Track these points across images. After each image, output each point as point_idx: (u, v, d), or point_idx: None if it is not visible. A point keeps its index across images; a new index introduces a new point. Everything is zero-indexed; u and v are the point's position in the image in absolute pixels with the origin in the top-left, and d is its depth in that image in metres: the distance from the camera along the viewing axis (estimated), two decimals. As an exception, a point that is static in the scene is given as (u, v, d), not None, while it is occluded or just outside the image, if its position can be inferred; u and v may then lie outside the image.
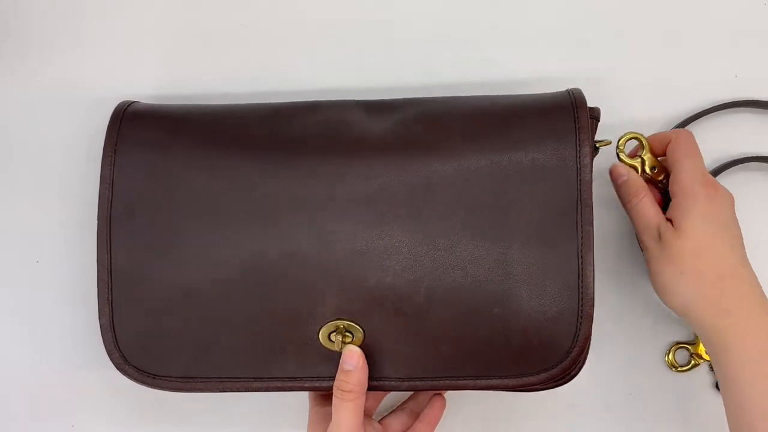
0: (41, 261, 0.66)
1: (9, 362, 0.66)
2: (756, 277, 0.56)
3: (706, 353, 0.60)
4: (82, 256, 0.65)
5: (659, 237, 0.57)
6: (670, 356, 0.64)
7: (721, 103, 0.65)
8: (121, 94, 0.65)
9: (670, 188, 0.58)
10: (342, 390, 0.54)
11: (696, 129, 0.64)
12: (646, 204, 0.58)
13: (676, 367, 0.64)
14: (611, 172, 0.60)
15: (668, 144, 0.59)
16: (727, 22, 0.66)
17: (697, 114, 0.65)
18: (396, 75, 0.66)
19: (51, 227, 0.66)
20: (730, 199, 0.58)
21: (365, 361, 0.55)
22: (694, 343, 0.64)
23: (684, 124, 0.64)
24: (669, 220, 0.57)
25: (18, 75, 0.67)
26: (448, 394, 0.62)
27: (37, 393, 0.66)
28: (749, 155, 0.65)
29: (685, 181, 0.57)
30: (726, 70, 0.66)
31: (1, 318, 0.66)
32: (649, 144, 0.60)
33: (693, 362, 0.64)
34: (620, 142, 0.60)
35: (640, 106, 0.65)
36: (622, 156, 0.60)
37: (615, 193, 0.60)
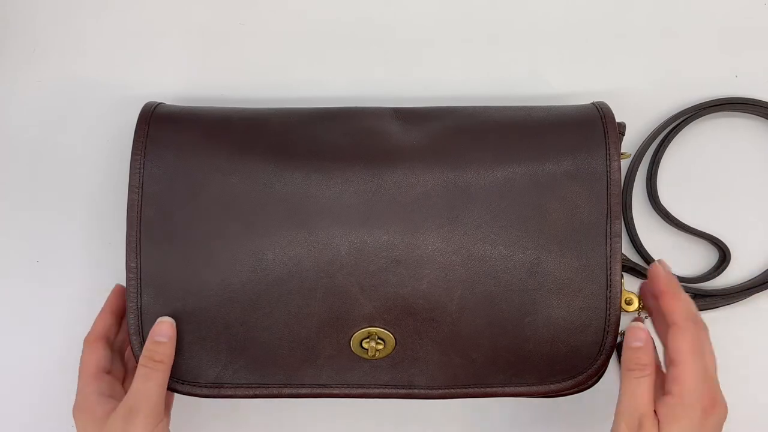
0: (41, 261, 0.65)
1: (9, 362, 0.66)
2: None
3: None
4: (83, 256, 0.64)
5: (638, 428, 0.52)
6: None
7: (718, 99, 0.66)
8: (122, 96, 0.65)
9: (668, 382, 0.52)
10: (153, 360, 0.54)
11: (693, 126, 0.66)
12: (647, 385, 0.53)
13: None
14: (628, 331, 0.55)
15: (670, 324, 0.53)
16: (727, 21, 0.66)
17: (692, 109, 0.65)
18: (399, 83, 0.66)
19: (51, 227, 0.65)
20: (724, 414, 0.53)
21: (175, 333, 0.56)
22: None
23: (678, 117, 0.65)
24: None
25: (19, 75, 0.65)
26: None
27: (36, 393, 0.66)
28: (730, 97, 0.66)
29: (687, 387, 0.51)
30: (726, 70, 0.66)
31: (1, 318, 0.65)
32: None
33: None
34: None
35: (640, 107, 0.66)
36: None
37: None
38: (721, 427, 0.53)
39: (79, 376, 0.56)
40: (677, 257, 0.66)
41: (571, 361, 0.56)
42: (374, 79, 0.66)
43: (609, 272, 0.56)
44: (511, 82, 0.66)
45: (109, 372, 0.57)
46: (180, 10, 0.66)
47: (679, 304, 0.54)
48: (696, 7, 0.66)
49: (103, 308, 0.58)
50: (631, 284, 0.66)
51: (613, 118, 0.58)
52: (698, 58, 0.66)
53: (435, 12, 0.66)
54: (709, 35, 0.66)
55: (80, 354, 0.60)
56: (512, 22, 0.66)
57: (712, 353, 0.54)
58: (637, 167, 0.66)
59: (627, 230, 0.66)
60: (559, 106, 0.60)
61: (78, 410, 0.55)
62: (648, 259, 0.66)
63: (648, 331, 0.54)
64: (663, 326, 0.55)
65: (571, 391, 0.58)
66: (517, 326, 0.56)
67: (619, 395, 0.53)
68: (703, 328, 0.54)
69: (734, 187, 0.66)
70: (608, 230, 0.56)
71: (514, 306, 0.56)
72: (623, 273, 0.64)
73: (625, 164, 0.66)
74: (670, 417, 0.52)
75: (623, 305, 0.62)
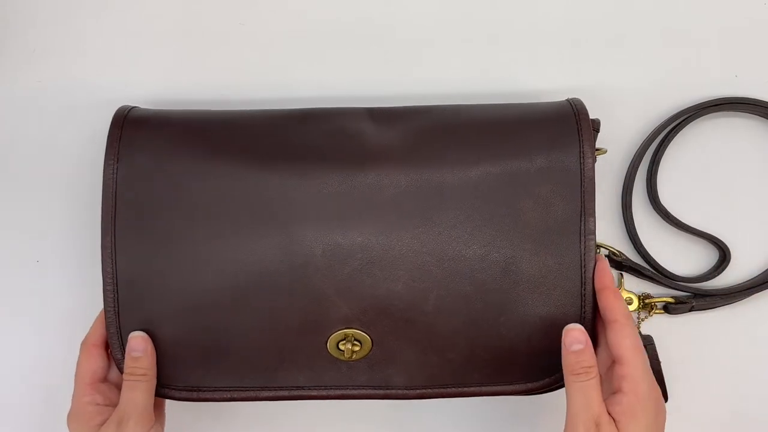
0: (41, 261, 0.65)
1: (9, 362, 0.66)
2: None
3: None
4: (82, 257, 0.64)
5: (595, 429, 0.52)
6: None
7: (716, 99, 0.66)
8: (122, 96, 0.64)
9: (616, 380, 0.53)
10: (135, 374, 0.55)
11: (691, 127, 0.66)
12: (596, 387, 0.53)
13: None
14: (565, 335, 0.55)
15: (610, 321, 0.54)
16: (727, 21, 0.66)
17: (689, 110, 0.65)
18: (399, 83, 0.66)
19: (51, 227, 0.65)
20: (665, 412, 0.54)
21: (152, 346, 0.56)
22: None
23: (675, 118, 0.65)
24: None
25: (19, 75, 0.65)
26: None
27: (36, 393, 0.66)
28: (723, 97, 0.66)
29: (639, 383, 0.52)
30: (726, 70, 0.66)
31: (1, 318, 0.65)
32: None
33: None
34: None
35: (640, 107, 0.66)
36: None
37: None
38: (664, 425, 0.54)
39: (75, 384, 0.56)
40: (677, 257, 0.66)
41: (548, 359, 0.56)
42: (374, 79, 0.66)
43: (583, 270, 0.56)
44: (511, 81, 0.66)
45: (105, 380, 0.57)
46: (180, 10, 0.66)
47: (620, 302, 0.55)
48: (696, 7, 0.66)
49: (101, 313, 0.58)
50: (631, 284, 0.66)
51: (587, 114, 0.58)
52: (698, 58, 0.66)
53: (435, 12, 0.66)
54: (709, 35, 0.66)
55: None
56: (512, 22, 0.66)
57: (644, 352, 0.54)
58: (637, 167, 0.66)
59: (627, 230, 0.66)
60: (533, 103, 0.60)
61: (72, 419, 0.56)
62: (648, 259, 0.66)
63: (586, 332, 0.55)
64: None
65: (549, 388, 0.58)
66: (493, 325, 0.56)
67: (568, 401, 0.53)
68: (632, 324, 0.55)
69: (734, 187, 0.66)
70: (582, 228, 0.56)
71: (490, 305, 0.56)
72: (623, 273, 0.65)
73: (625, 164, 0.66)
74: (629, 415, 0.52)
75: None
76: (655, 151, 0.66)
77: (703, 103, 0.65)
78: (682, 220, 0.66)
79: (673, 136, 0.65)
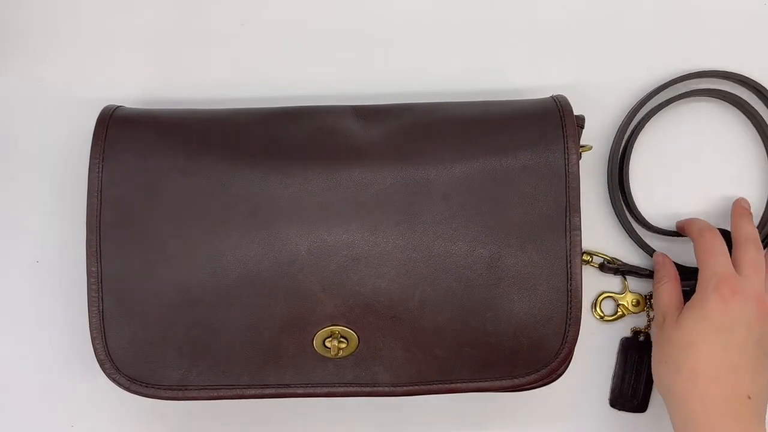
0: (41, 261, 0.65)
1: (9, 362, 0.66)
2: (746, 382, 0.56)
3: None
4: (82, 257, 0.65)
5: (662, 322, 0.60)
6: (598, 306, 0.65)
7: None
8: (123, 97, 0.65)
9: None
10: None
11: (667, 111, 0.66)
12: (665, 290, 0.61)
13: (602, 317, 0.65)
14: (654, 260, 0.64)
15: (693, 239, 0.61)
16: (726, 21, 0.66)
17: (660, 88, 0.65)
18: (392, 81, 0.66)
19: (51, 227, 0.65)
20: (751, 302, 0.57)
21: None
22: (621, 293, 0.65)
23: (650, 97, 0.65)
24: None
25: (14, 73, 0.66)
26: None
27: (36, 392, 0.66)
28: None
29: (701, 281, 0.59)
30: (726, 70, 0.65)
31: (1, 318, 0.66)
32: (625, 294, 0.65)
33: (619, 313, 0.65)
34: (597, 304, 0.65)
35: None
36: (607, 319, 0.65)
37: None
38: (748, 313, 0.56)
39: None
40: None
41: (534, 355, 0.56)
42: (375, 78, 0.66)
43: (569, 265, 0.56)
44: (510, 80, 0.66)
45: None
46: (180, 10, 0.66)
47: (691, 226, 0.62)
48: (696, 7, 0.66)
49: None
50: (632, 285, 0.66)
51: (572, 111, 0.58)
52: (698, 57, 0.66)
53: (435, 12, 0.66)
54: (709, 35, 0.66)
55: (81, 352, 0.61)
56: (511, 21, 0.66)
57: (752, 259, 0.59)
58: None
59: (626, 230, 0.66)
60: (518, 100, 0.61)
61: None
62: (647, 250, 0.66)
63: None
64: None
65: (536, 384, 0.58)
66: (479, 321, 0.56)
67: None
68: (710, 233, 0.60)
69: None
70: (567, 223, 0.56)
71: (476, 301, 0.56)
72: (626, 275, 0.65)
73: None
74: (686, 308, 0.59)
75: (630, 306, 0.64)
76: (623, 147, 0.65)
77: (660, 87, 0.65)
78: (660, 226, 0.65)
79: (638, 134, 0.65)
